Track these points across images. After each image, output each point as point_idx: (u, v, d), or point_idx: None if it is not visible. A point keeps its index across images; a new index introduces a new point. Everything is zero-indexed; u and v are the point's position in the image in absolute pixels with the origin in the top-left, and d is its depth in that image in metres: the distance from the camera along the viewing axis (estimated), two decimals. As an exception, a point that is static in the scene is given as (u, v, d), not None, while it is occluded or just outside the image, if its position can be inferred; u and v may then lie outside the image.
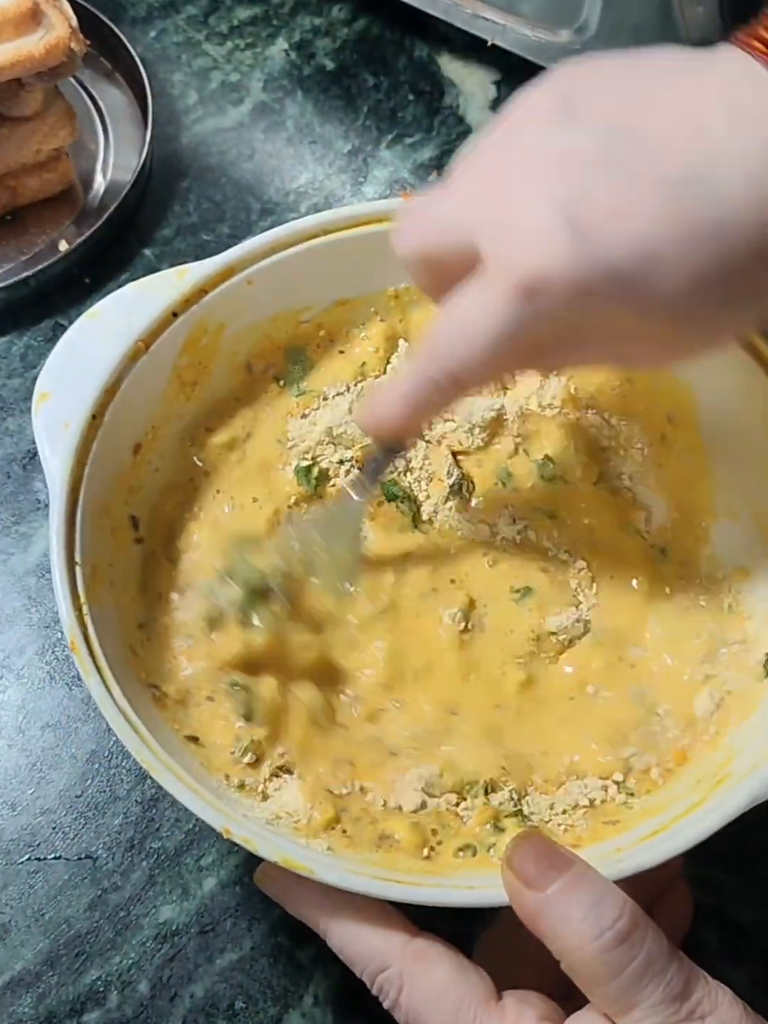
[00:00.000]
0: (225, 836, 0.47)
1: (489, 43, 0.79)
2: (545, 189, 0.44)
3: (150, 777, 0.60)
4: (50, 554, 0.52)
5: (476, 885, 0.48)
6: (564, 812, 0.53)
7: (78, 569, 0.52)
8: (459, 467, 0.61)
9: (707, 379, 0.59)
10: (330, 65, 0.85)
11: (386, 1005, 0.47)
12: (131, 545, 0.58)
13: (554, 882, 0.43)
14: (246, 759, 0.53)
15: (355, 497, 0.57)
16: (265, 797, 0.53)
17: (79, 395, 0.55)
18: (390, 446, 0.55)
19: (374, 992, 0.47)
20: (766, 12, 0.45)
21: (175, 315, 0.58)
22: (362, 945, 0.47)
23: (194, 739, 0.54)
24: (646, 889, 0.48)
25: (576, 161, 0.44)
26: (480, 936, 0.52)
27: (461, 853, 0.52)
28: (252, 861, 0.58)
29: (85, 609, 0.51)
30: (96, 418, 0.55)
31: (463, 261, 0.46)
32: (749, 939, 0.59)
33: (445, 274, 0.48)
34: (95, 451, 0.55)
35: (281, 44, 0.86)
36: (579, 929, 0.43)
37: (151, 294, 0.58)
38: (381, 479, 0.58)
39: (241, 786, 0.53)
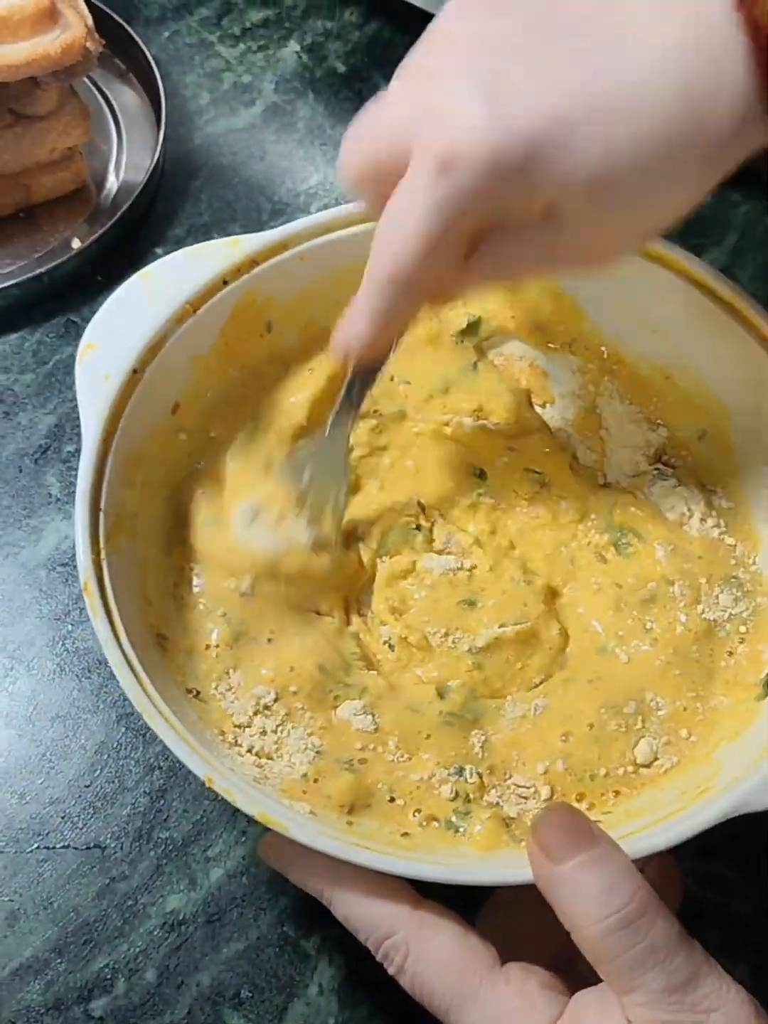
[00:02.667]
0: (207, 784, 0.48)
1: (499, 47, 0.80)
2: (465, 71, 0.44)
3: (158, 768, 0.62)
4: (77, 496, 0.53)
5: (443, 862, 0.50)
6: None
7: (101, 515, 0.54)
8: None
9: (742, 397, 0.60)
10: (341, 68, 0.86)
11: (392, 971, 0.48)
12: (161, 501, 0.59)
13: (574, 858, 0.44)
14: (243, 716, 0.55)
15: (340, 426, 0.57)
16: (258, 755, 0.54)
17: (122, 349, 0.57)
18: (366, 365, 0.55)
19: (379, 959, 0.48)
20: None
21: (225, 282, 0.59)
22: (367, 913, 0.48)
23: (195, 692, 0.55)
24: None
25: (496, 42, 0.44)
26: (483, 907, 0.52)
27: (432, 823, 0.53)
28: (258, 852, 0.59)
29: (103, 553, 0.53)
30: (137, 373, 0.57)
31: (403, 164, 0.46)
32: (751, 933, 0.59)
33: (392, 188, 0.47)
34: (132, 405, 0.57)
35: (293, 46, 0.87)
36: (588, 909, 0.43)
37: (204, 260, 0.60)
38: (361, 400, 0.57)
39: (234, 743, 0.54)
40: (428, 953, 0.47)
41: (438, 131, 0.44)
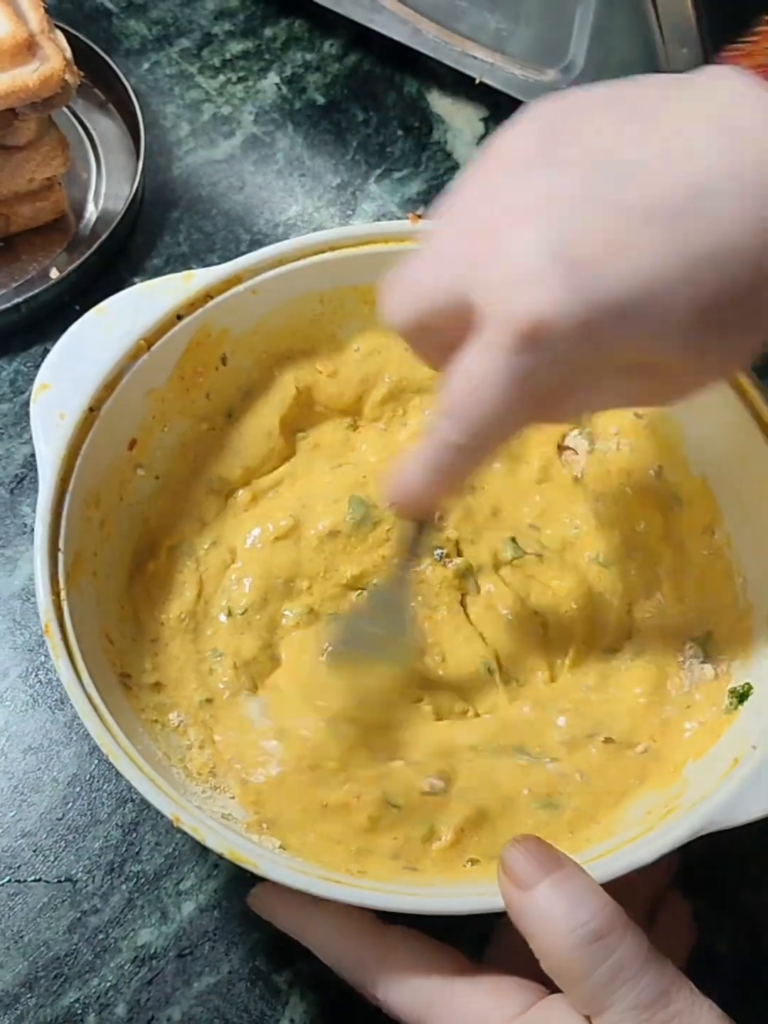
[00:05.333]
0: (174, 823, 0.48)
1: (477, 80, 0.80)
2: (533, 232, 0.42)
3: (131, 801, 0.62)
4: (35, 538, 0.53)
5: (419, 893, 0.50)
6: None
7: (60, 555, 0.54)
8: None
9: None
10: (321, 100, 0.87)
11: (373, 1001, 0.49)
12: (121, 538, 0.59)
13: (541, 881, 0.45)
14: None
15: (402, 575, 0.57)
16: (218, 790, 0.54)
17: (77, 387, 0.57)
18: (420, 520, 0.54)
19: (359, 991, 0.49)
20: (747, 32, 0.45)
21: (179, 317, 0.60)
22: (338, 948, 0.50)
23: (161, 724, 0.56)
24: (640, 903, 0.49)
25: (563, 199, 0.42)
26: (493, 933, 0.53)
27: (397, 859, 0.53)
28: (231, 885, 0.59)
29: (63, 594, 0.53)
30: (92, 411, 0.57)
31: (459, 321, 0.45)
32: (724, 966, 0.59)
33: (444, 338, 0.46)
34: (89, 443, 0.57)
35: (273, 78, 0.88)
36: (556, 927, 0.44)
37: (157, 295, 0.60)
38: (418, 554, 0.57)
39: (199, 777, 0.54)
40: (394, 973, 0.48)
41: (516, 301, 0.42)
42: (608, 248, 0.41)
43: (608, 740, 0.56)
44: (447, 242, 0.46)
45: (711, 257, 0.41)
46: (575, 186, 0.42)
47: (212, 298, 0.61)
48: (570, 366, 0.44)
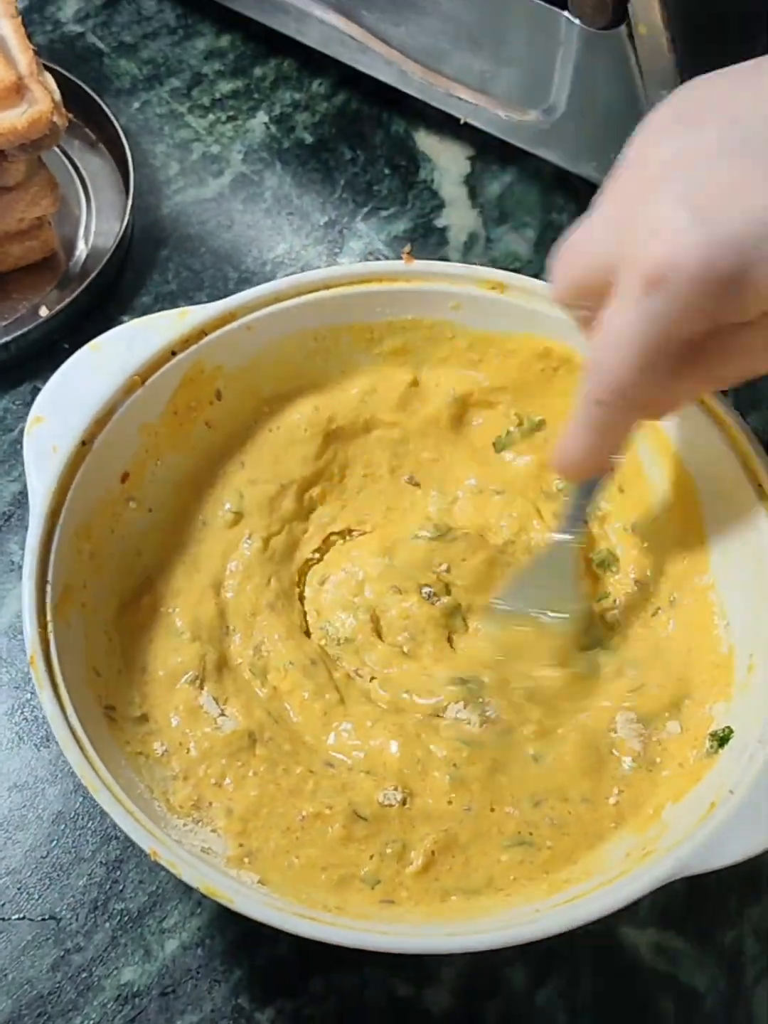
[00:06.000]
0: (152, 858, 0.49)
1: (462, 121, 0.81)
2: (667, 188, 0.45)
3: (115, 838, 0.62)
4: (24, 568, 0.54)
5: (396, 931, 0.51)
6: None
7: (49, 587, 0.54)
8: None
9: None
10: (309, 138, 0.88)
11: None
12: (112, 570, 0.60)
13: None
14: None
15: (566, 537, 0.59)
16: (200, 824, 0.54)
17: (70, 422, 0.58)
18: (586, 483, 0.57)
19: None
20: None
21: (174, 353, 0.60)
22: None
23: (145, 756, 0.56)
24: None
25: (695, 156, 0.45)
26: None
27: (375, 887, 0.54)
28: (214, 923, 0.60)
29: (50, 627, 0.53)
30: (85, 445, 0.58)
31: (609, 285, 0.47)
32: (704, 1003, 0.60)
33: (598, 305, 0.48)
34: (80, 476, 0.58)
35: (261, 117, 0.88)
36: None
37: (152, 331, 0.61)
38: (586, 517, 0.60)
39: (180, 811, 0.55)
40: None
41: (644, 247, 0.44)
42: (732, 191, 0.43)
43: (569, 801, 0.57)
44: (602, 212, 0.49)
45: None
46: (709, 143, 0.45)
47: (206, 335, 0.61)
48: (702, 314, 0.45)
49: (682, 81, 0.69)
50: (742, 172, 0.44)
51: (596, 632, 0.62)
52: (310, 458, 0.66)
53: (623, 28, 0.68)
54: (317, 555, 0.65)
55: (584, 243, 0.49)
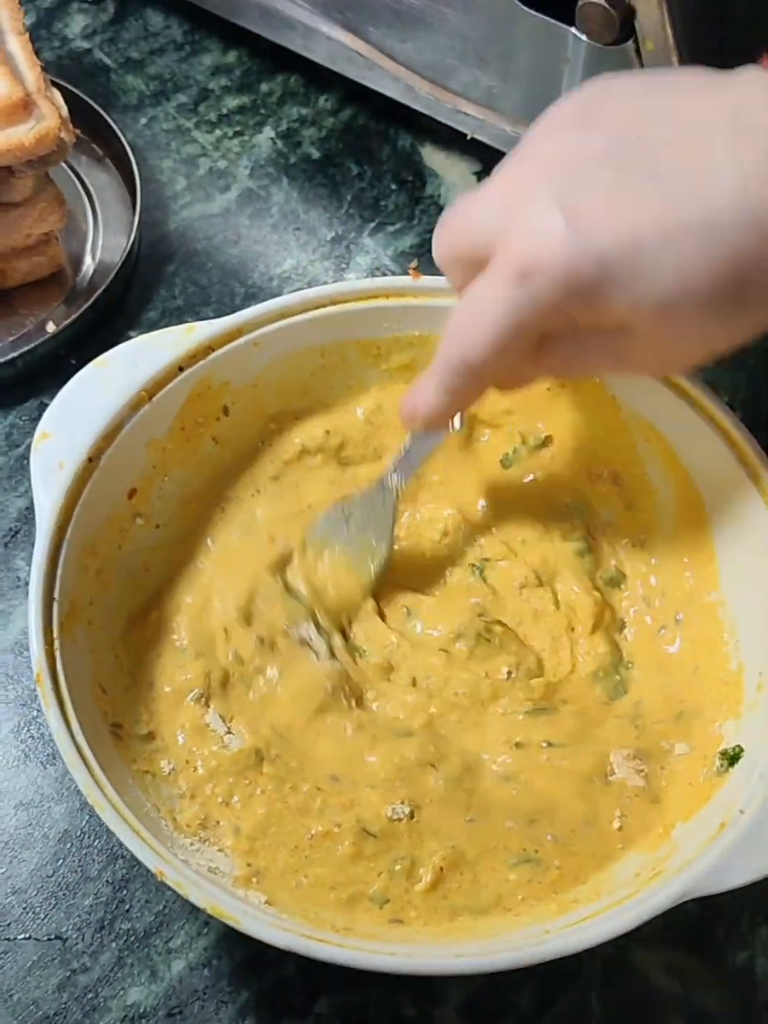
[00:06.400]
0: (158, 877, 0.48)
1: (469, 136, 0.81)
2: (548, 184, 0.47)
3: (121, 857, 0.61)
4: (30, 585, 0.54)
5: (404, 952, 0.50)
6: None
7: (55, 604, 0.54)
8: None
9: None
10: (316, 154, 0.88)
11: None
12: (118, 587, 0.60)
13: None
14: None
15: (392, 483, 0.62)
16: (207, 843, 0.54)
17: (77, 437, 0.58)
18: (428, 436, 0.60)
19: None
20: None
21: (181, 369, 0.60)
22: None
23: (151, 775, 0.56)
24: None
25: (581, 159, 0.47)
26: None
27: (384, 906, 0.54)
28: (221, 944, 0.59)
29: (56, 644, 0.53)
30: (92, 461, 0.58)
31: (486, 257, 0.49)
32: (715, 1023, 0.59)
33: (474, 275, 0.51)
34: (87, 492, 0.58)
35: (268, 133, 0.89)
36: None
37: (159, 347, 0.60)
38: (416, 467, 0.62)
39: (187, 830, 0.55)
40: None
41: (519, 239, 0.47)
42: (607, 204, 0.46)
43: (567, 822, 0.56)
44: (488, 191, 0.51)
45: (698, 231, 0.44)
46: (595, 150, 0.47)
47: (214, 350, 0.61)
48: (559, 314, 0.48)
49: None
50: (619, 185, 0.46)
51: (613, 657, 0.62)
52: (326, 483, 0.66)
53: (630, 44, 0.68)
54: None
55: (470, 218, 0.51)
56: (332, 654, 0.61)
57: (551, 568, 0.64)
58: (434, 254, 0.54)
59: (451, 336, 0.52)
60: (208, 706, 0.59)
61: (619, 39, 0.68)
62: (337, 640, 0.61)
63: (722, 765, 0.55)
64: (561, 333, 0.51)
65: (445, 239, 0.53)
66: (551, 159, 0.48)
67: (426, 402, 0.54)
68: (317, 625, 0.61)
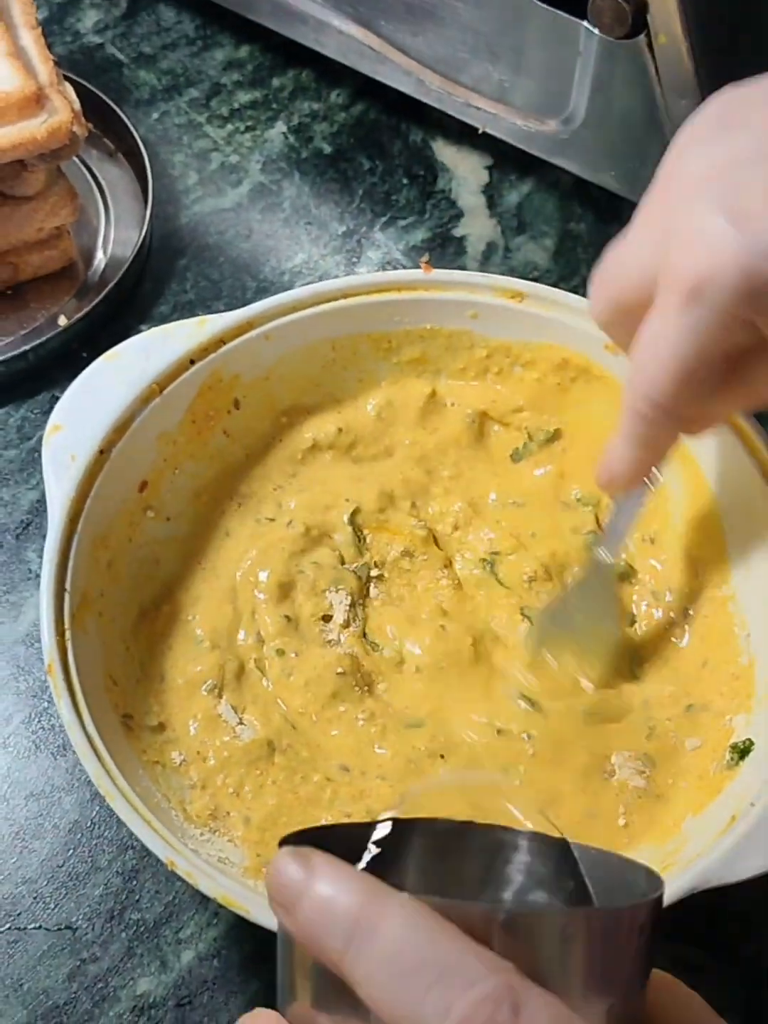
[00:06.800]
0: (169, 868, 0.48)
1: (480, 130, 0.81)
2: (704, 198, 0.44)
3: (132, 848, 0.62)
4: (42, 577, 0.54)
5: None
6: None
7: (67, 596, 0.55)
8: None
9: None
10: (327, 148, 0.88)
11: None
12: (130, 579, 0.60)
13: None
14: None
15: (605, 559, 0.59)
16: (217, 833, 0.54)
17: (89, 430, 0.58)
18: (628, 500, 0.57)
19: None
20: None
21: (192, 362, 0.60)
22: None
23: (161, 765, 0.56)
24: None
25: (733, 163, 0.44)
26: None
27: None
28: (231, 934, 0.59)
29: (67, 635, 0.53)
30: (103, 453, 0.58)
31: (649, 302, 0.46)
32: (725, 1018, 0.59)
33: (638, 325, 0.48)
34: (99, 485, 0.58)
35: (280, 127, 0.89)
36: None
37: (171, 340, 0.61)
38: (624, 536, 0.59)
39: (197, 820, 0.55)
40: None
41: (682, 259, 0.44)
42: None
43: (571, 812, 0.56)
44: (638, 229, 0.48)
45: None
46: (745, 150, 0.44)
47: (225, 343, 0.62)
48: (743, 325, 0.44)
49: (701, 91, 0.70)
50: None
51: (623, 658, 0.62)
52: (348, 478, 0.66)
53: (642, 38, 0.68)
54: None
55: (621, 261, 0.49)
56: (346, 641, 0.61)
57: (561, 561, 0.64)
58: (593, 313, 0.51)
59: (632, 383, 0.48)
60: (221, 697, 0.59)
61: (631, 33, 0.68)
62: (351, 630, 0.61)
63: (733, 758, 0.55)
64: (751, 353, 0.47)
65: (602, 292, 0.50)
66: (697, 175, 0.45)
67: (620, 460, 0.51)
68: (352, 598, 0.61)
